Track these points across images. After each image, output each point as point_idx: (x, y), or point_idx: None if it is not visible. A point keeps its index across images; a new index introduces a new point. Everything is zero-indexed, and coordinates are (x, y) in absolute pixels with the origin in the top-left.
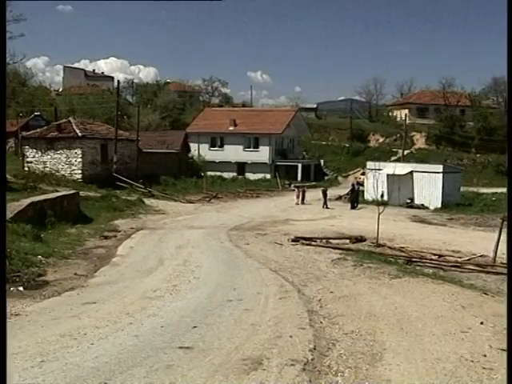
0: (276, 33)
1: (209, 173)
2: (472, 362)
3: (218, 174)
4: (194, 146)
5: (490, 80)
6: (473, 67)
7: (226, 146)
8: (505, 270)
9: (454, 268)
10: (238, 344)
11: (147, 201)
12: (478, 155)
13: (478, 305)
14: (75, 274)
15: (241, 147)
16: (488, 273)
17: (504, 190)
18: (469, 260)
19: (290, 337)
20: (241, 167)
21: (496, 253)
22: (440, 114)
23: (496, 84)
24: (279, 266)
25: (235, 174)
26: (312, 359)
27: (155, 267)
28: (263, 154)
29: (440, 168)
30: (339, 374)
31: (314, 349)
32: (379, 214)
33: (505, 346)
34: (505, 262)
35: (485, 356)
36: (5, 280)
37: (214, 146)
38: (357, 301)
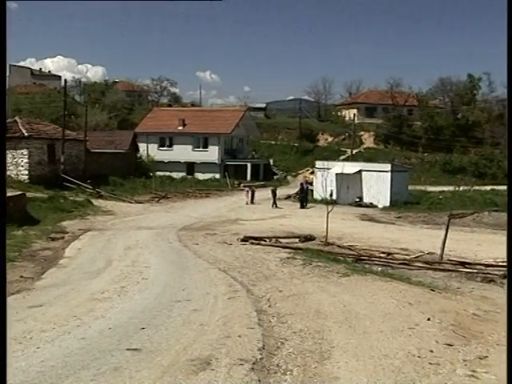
0: (225, 32)
1: (158, 173)
2: (419, 357)
3: (167, 174)
4: (142, 146)
5: (437, 80)
6: (420, 67)
7: (175, 146)
8: (451, 267)
9: (402, 266)
10: (187, 344)
11: (95, 201)
12: (426, 154)
13: (425, 301)
14: (21, 276)
15: (190, 147)
16: (436, 270)
17: (451, 188)
18: (417, 257)
19: (239, 336)
20: (190, 167)
21: (443, 250)
22: (388, 114)
23: (443, 84)
24: (228, 266)
25: (184, 173)
26: (261, 358)
27: (103, 269)
28: (212, 153)
29: (388, 167)
30: (288, 372)
31: (263, 348)
32: (328, 213)
33: (450, 341)
34: (452, 259)
35: (431, 352)
36: (5, 279)
37: (163, 146)
38: (305, 299)
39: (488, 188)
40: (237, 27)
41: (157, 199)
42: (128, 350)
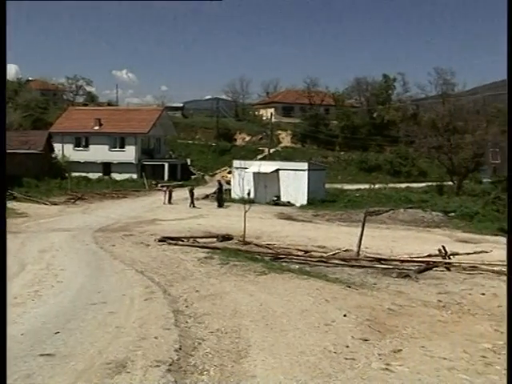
0: (142, 31)
1: (74, 174)
2: (335, 353)
3: (84, 174)
4: (57, 147)
5: (353, 80)
6: (336, 68)
7: (91, 146)
8: (368, 263)
9: (319, 263)
10: (102, 348)
11: (9, 204)
12: (342, 153)
13: (341, 298)
14: None
15: (106, 147)
16: (352, 266)
17: (367, 185)
18: (334, 255)
19: (155, 338)
20: (107, 167)
21: (360, 247)
22: (305, 113)
23: (358, 84)
24: (145, 267)
25: (101, 174)
26: (177, 359)
27: (17, 273)
28: (129, 153)
29: (305, 166)
30: (205, 372)
31: (180, 349)
32: (245, 212)
33: (366, 336)
34: (368, 255)
35: (347, 347)
36: (5, 280)
37: (79, 146)
38: (223, 299)
39: (403, 185)
40: (154, 26)
41: (73, 200)
42: (41, 355)
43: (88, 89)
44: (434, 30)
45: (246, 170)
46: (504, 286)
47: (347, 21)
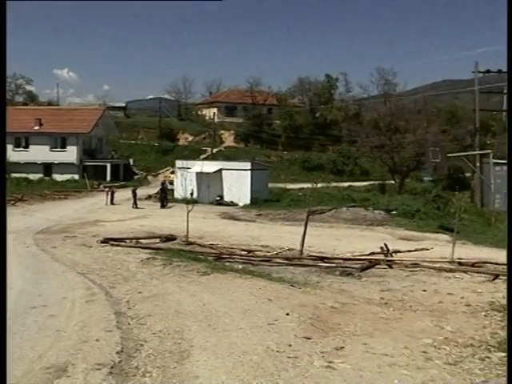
0: (84, 29)
1: (13, 175)
2: (278, 352)
3: (24, 175)
4: None
5: (296, 80)
6: (279, 68)
7: (31, 147)
8: (311, 262)
9: (263, 262)
10: (42, 352)
11: None
12: (285, 152)
13: (284, 297)
14: None
15: (47, 147)
16: (296, 265)
17: (310, 185)
18: (277, 254)
19: (97, 340)
20: (48, 168)
21: (303, 246)
22: (248, 113)
23: (301, 84)
24: (87, 269)
25: (42, 175)
26: (119, 362)
27: None
28: (70, 154)
29: (248, 165)
30: (147, 374)
31: (122, 351)
32: (188, 212)
33: (309, 334)
34: (311, 254)
35: (290, 346)
36: (5, 276)
37: (19, 147)
38: (165, 300)
39: (346, 184)
40: (95, 24)
41: (12, 202)
42: None
43: (28, 88)
44: (376, 30)
45: (189, 170)
46: (444, 283)
47: (290, 21)
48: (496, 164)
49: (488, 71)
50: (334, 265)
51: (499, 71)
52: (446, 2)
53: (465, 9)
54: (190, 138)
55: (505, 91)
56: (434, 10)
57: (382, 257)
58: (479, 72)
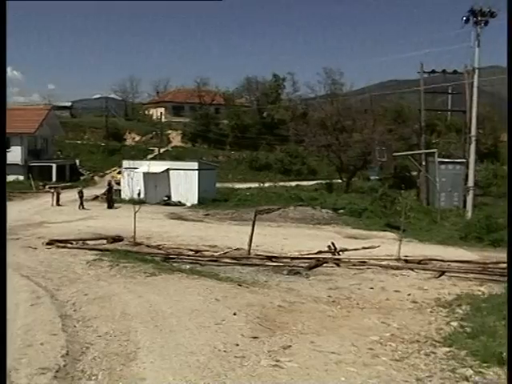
0: (28, 27)
1: None
2: (225, 352)
3: None
4: None
5: (243, 79)
6: (227, 67)
7: None
8: (259, 261)
9: (210, 262)
10: None
11: None
12: (233, 152)
13: (232, 296)
14: None
15: None
16: (244, 265)
17: (257, 184)
18: (225, 253)
19: (42, 344)
20: None
21: (250, 245)
22: (195, 112)
23: (249, 83)
24: (32, 272)
25: None
26: (64, 365)
27: None
28: (15, 154)
29: (196, 165)
30: (93, 377)
31: (67, 354)
32: (135, 213)
33: (256, 333)
34: (259, 253)
35: (237, 345)
36: (5, 279)
37: None
38: (112, 301)
39: (293, 184)
40: (40, 22)
41: None
42: None
43: None
44: (323, 30)
45: (136, 170)
46: (391, 280)
47: (237, 20)
48: (441, 163)
49: (433, 71)
50: (281, 264)
51: (444, 71)
52: (392, 2)
53: (411, 10)
54: (137, 138)
55: (449, 91)
56: (380, 11)
57: (329, 255)
58: (424, 72)
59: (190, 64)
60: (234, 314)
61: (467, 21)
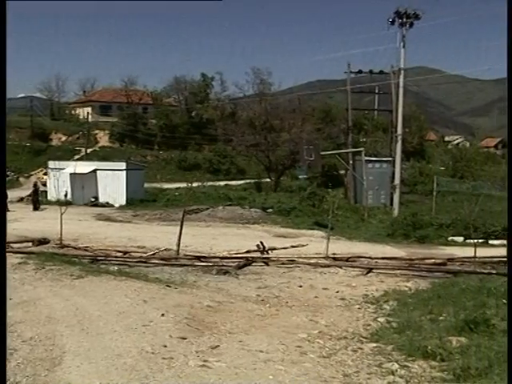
0: None
1: None
2: (153, 353)
3: None
4: None
5: (172, 79)
6: (155, 66)
7: None
8: (188, 262)
9: (139, 263)
10: None
11: None
12: (161, 152)
13: (160, 297)
14: None
15: None
16: (173, 265)
17: (186, 184)
18: (154, 254)
19: None
20: None
21: (179, 245)
22: (123, 112)
23: (177, 83)
24: None
25: None
26: None
27: None
28: None
29: (123, 165)
30: None
31: None
32: (62, 215)
33: (184, 334)
34: (188, 253)
35: (165, 346)
36: (5, 279)
37: None
38: (36, 305)
39: (222, 183)
40: None
41: None
42: None
43: None
44: (252, 30)
45: (63, 171)
46: (320, 278)
47: (166, 21)
48: (368, 161)
49: (360, 72)
50: (211, 264)
51: (370, 72)
52: (320, 2)
53: (339, 11)
54: (64, 138)
55: (376, 91)
56: (308, 11)
57: (258, 254)
58: (351, 72)
59: (118, 63)
60: (162, 315)
61: (393, 22)
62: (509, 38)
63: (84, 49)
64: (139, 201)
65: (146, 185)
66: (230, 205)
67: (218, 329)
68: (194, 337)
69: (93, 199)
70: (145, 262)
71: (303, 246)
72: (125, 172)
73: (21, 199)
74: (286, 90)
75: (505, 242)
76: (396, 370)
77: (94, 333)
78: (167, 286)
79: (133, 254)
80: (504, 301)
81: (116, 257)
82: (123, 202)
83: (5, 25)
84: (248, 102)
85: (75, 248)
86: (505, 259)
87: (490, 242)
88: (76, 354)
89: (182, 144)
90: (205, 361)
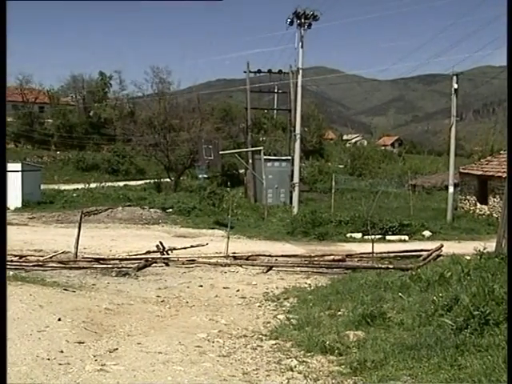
0: None
1: None
2: (49, 360)
3: None
4: None
5: (69, 77)
6: (52, 65)
7: None
8: (87, 264)
9: (36, 267)
10: None
11: None
12: (58, 152)
13: (57, 302)
14: None
15: None
16: (71, 268)
17: (83, 185)
18: (51, 258)
19: None
20: None
21: (77, 248)
22: (18, 111)
23: (74, 81)
24: None
25: None
26: None
27: None
28: None
29: (18, 167)
30: None
31: None
32: None
33: (82, 338)
34: (87, 256)
35: (62, 352)
36: (5, 279)
37: None
38: None
39: (121, 184)
40: None
41: None
42: None
43: None
44: (152, 30)
45: None
46: (221, 277)
47: (62, 17)
48: (267, 160)
49: (259, 71)
50: (110, 266)
51: (269, 71)
52: (220, 2)
53: (239, 10)
54: None
55: (275, 90)
56: (209, 11)
57: (158, 255)
58: (250, 72)
59: (12, 61)
60: (59, 320)
61: (291, 23)
62: (509, 38)
63: None
64: (36, 203)
65: (42, 186)
66: (129, 205)
67: (116, 332)
68: (92, 341)
69: None
70: (42, 266)
71: (203, 245)
72: (20, 173)
73: None
74: (186, 89)
75: (401, 237)
76: (295, 366)
77: None
78: (65, 289)
79: (29, 257)
80: (400, 294)
81: (11, 261)
82: (19, 204)
83: (5, 25)
84: (147, 102)
85: None
86: (401, 254)
87: (387, 237)
88: None
89: (80, 144)
90: (102, 365)
